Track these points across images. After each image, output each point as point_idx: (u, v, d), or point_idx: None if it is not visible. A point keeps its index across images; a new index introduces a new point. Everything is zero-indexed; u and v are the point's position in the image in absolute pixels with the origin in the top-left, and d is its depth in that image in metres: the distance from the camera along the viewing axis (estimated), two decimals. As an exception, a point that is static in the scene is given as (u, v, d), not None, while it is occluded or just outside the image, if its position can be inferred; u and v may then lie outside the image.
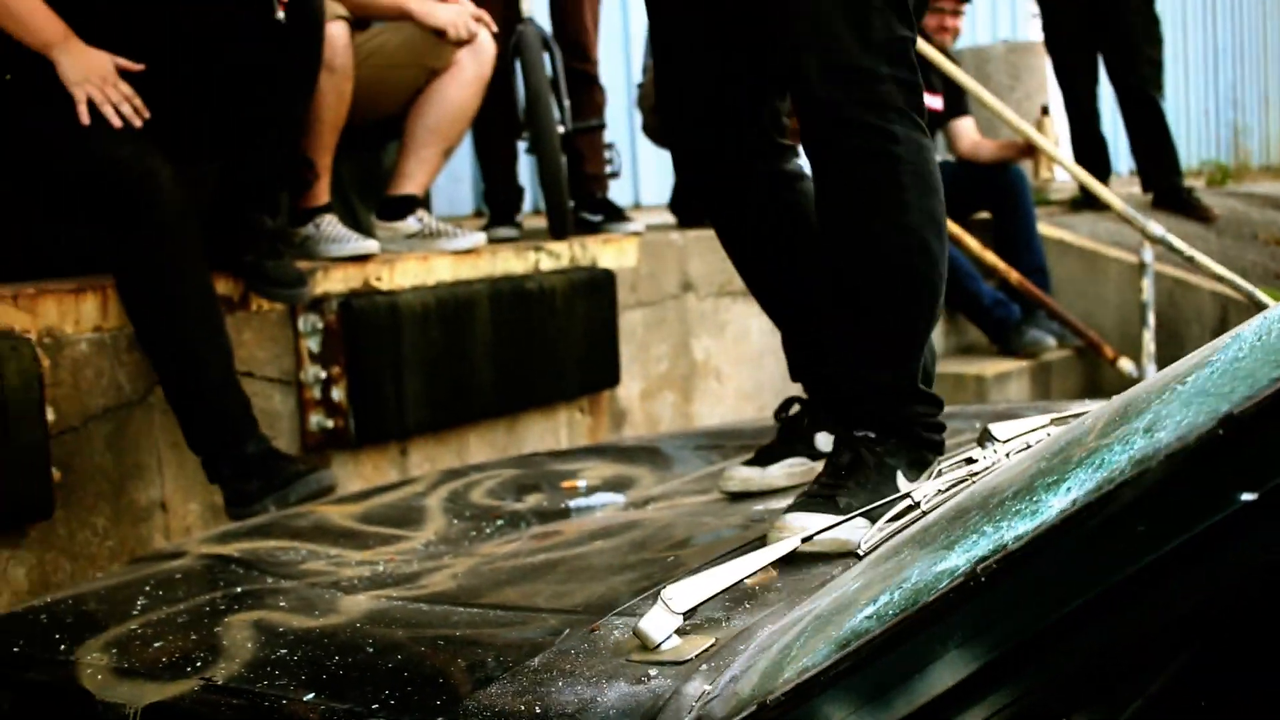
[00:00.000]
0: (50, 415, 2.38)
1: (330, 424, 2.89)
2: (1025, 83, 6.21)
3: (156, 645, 1.41)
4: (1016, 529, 0.87)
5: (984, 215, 5.06)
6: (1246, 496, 0.77)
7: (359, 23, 3.15)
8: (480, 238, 3.29)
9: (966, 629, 0.86)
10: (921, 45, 4.51)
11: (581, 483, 2.09)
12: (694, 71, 1.77)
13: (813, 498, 1.54)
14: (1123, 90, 5.82)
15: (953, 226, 4.16)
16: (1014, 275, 4.63)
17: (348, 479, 2.88)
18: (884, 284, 1.60)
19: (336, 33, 2.92)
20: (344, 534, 1.89)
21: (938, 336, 3.91)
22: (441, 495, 2.07)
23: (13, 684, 1.45)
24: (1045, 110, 5.10)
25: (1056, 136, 5.04)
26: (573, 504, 1.95)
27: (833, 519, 1.37)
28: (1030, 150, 4.78)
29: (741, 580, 1.17)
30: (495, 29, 3.30)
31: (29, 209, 2.72)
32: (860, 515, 1.35)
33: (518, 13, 3.63)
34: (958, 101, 5.01)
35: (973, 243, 4.58)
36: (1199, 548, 0.79)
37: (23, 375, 2.31)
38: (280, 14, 2.50)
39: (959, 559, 0.89)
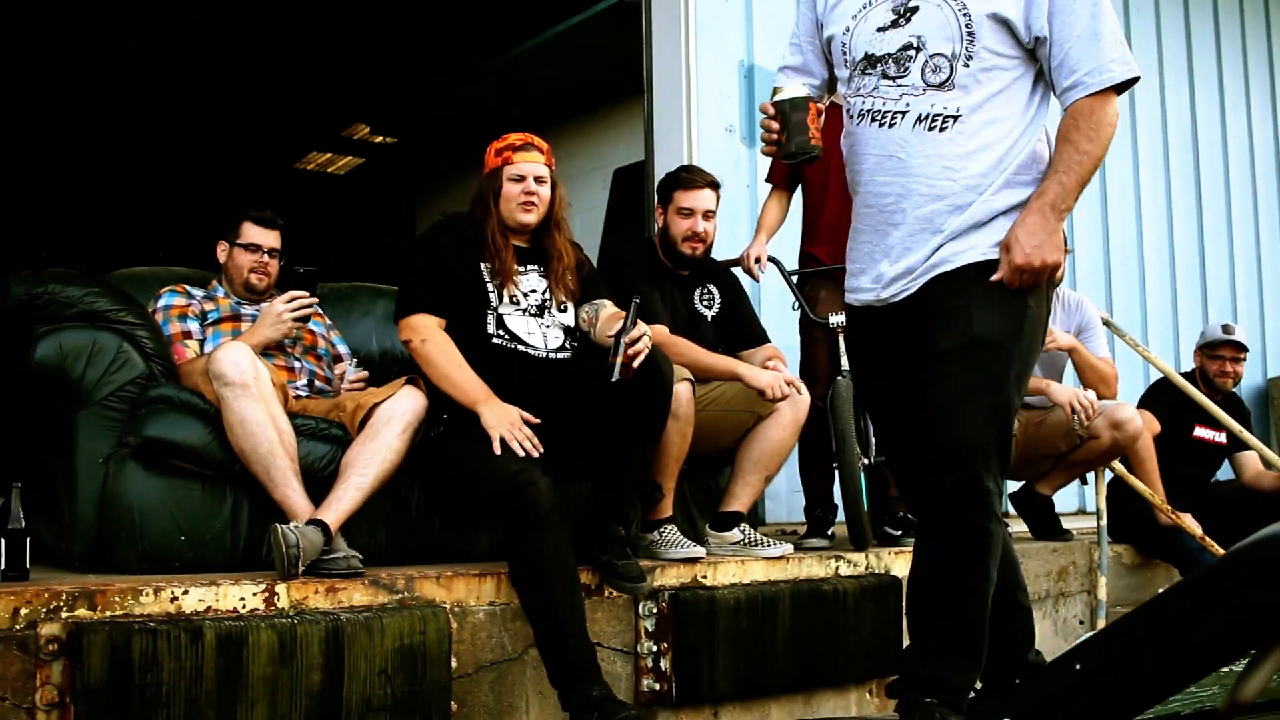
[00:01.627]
0: (454, 663, 3.38)
1: (658, 687, 3.76)
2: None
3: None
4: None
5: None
6: None
7: (700, 379, 4.15)
8: (788, 548, 4.15)
9: None
10: (1195, 393, 5.12)
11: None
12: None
13: None
14: None
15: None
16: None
17: (668, 732, 3.72)
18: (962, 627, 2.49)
19: (682, 390, 3.92)
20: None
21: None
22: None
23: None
24: None
25: None
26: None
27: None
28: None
29: None
30: (805, 392, 4.22)
31: (450, 513, 3.83)
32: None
33: (839, 366, 4.57)
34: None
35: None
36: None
37: (438, 634, 3.34)
38: (615, 377, 3.48)
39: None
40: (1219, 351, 5.65)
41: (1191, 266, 8.04)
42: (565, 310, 3.93)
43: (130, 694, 2.88)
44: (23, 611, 2.92)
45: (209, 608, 3.12)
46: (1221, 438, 5.49)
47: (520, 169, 3.87)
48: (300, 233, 4.79)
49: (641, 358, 3.48)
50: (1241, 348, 5.65)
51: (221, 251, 4.12)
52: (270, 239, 4.13)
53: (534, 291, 3.88)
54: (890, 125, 2.80)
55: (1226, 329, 5.69)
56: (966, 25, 2.73)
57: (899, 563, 4.35)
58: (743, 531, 4.16)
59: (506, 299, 3.83)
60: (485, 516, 3.72)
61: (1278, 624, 1.40)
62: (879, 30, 2.84)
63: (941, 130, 2.76)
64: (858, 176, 2.92)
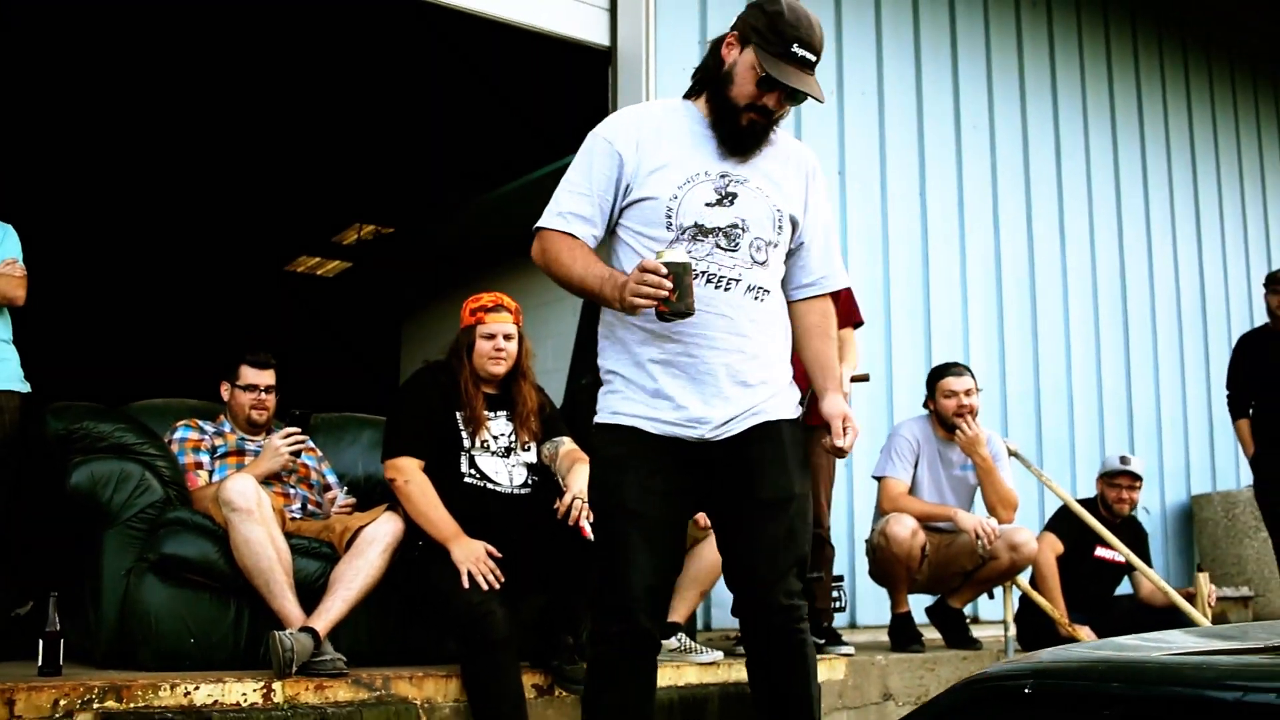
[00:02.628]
0: (422, 752, 3.96)
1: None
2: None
3: None
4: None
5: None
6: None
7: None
8: (719, 655, 4.74)
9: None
10: (1090, 519, 5.76)
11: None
12: None
13: None
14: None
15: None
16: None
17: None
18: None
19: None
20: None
21: None
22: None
23: None
24: (1200, 567, 6.12)
25: (1210, 590, 6.02)
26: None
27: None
28: (1191, 599, 5.84)
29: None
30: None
31: (423, 621, 4.42)
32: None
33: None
34: (1141, 554, 6.16)
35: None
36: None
37: (409, 726, 3.93)
38: (587, 532, 4.09)
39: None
40: (1117, 480, 6.30)
41: (1119, 397, 8.72)
42: (529, 449, 4.56)
43: (150, 774, 3.46)
44: (61, 702, 3.51)
45: (215, 701, 3.70)
46: (1120, 557, 6.10)
47: (491, 328, 4.52)
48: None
49: (582, 514, 4.09)
50: (1137, 477, 6.30)
51: (225, 391, 4.76)
52: (265, 378, 4.76)
53: (502, 435, 4.51)
54: (726, 289, 3.25)
55: (1124, 460, 6.34)
56: (778, 219, 3.32)
57: (822, 668, 4.94)
58: (679, 640, 4.75)
59: (478, 443, 4.46)
60: (450, 634, 4.31)
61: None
62: (708, 205, 3.25)
63: (762, 302, 3.31)
64: (684, 327, 3.21)
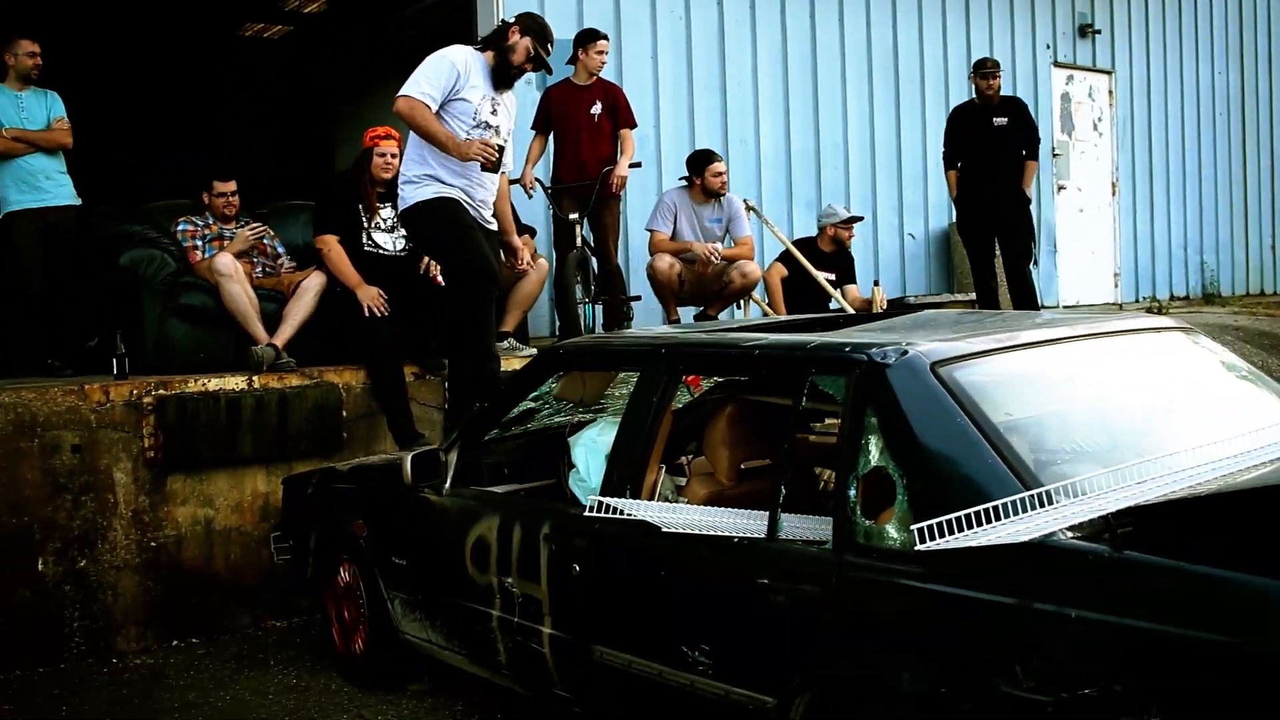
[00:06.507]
0: (344, 414, 6.71)
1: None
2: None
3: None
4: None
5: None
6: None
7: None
8: (534, 350, 7.47)
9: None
10: (799, 255, 8.45)
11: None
12: None
13: None
14: (1008, 260, 9.43)
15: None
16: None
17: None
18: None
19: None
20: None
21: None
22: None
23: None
24: (876, 282, 8.92)
25: (881, 297, 8.78)
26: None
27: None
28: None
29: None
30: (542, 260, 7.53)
31: (340, 340, 7.14)
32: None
33: (572, 243, 7.85)
34: (848, 275, 8.92)
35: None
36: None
37: (336, 399, 6.64)
38: (438, 279, 6.79)
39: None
40: (845, 224, 8.97)
41: (890, 149, 11.34)
42: (405, 228, 7.20)
43: (186, 426, 6.22)
44: (134, 392, 6.23)
45: (219, 387, 6.43)
46: (833, 276, 8.82)
47: (382, 149, 7.07)
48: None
49: (433, 267, 6.79)
50: (855, 220, 9.02)
51: (205, 198, 7.33)
52: (230, 187, 7.32)
53: (389, 218, 7.11)
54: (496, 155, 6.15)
55: (847, 209, 9.05)
56: (510, 121, 6.40)
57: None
58: (509, 342, 7.49)
59: (373, 224, 7.06)
60: (357, 344, 7.00)
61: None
62: (490, 112, 6.23)
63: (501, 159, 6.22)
64: (471, 167, 6.17)
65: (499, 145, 6.17)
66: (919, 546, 2.96)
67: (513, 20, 6.40)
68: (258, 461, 6.47)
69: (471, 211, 6.27)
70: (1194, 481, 3.10)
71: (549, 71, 6.59)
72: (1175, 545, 2.85)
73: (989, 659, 2.93)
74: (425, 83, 6.11)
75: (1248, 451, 3.36)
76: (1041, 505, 2.95)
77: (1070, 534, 2.91)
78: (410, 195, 6.25)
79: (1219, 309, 12.78)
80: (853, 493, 3.33)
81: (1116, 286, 13.37)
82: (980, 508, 2.94)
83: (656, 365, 4.11)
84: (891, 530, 3.22)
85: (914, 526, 3.01)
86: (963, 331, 3.83)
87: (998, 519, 2.93)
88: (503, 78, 6.29)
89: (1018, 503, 2.96)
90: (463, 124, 6.15)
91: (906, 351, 3.42)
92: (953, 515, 2.94)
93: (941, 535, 2.94)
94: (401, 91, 6.10)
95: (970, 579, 3.00)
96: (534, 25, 6.31)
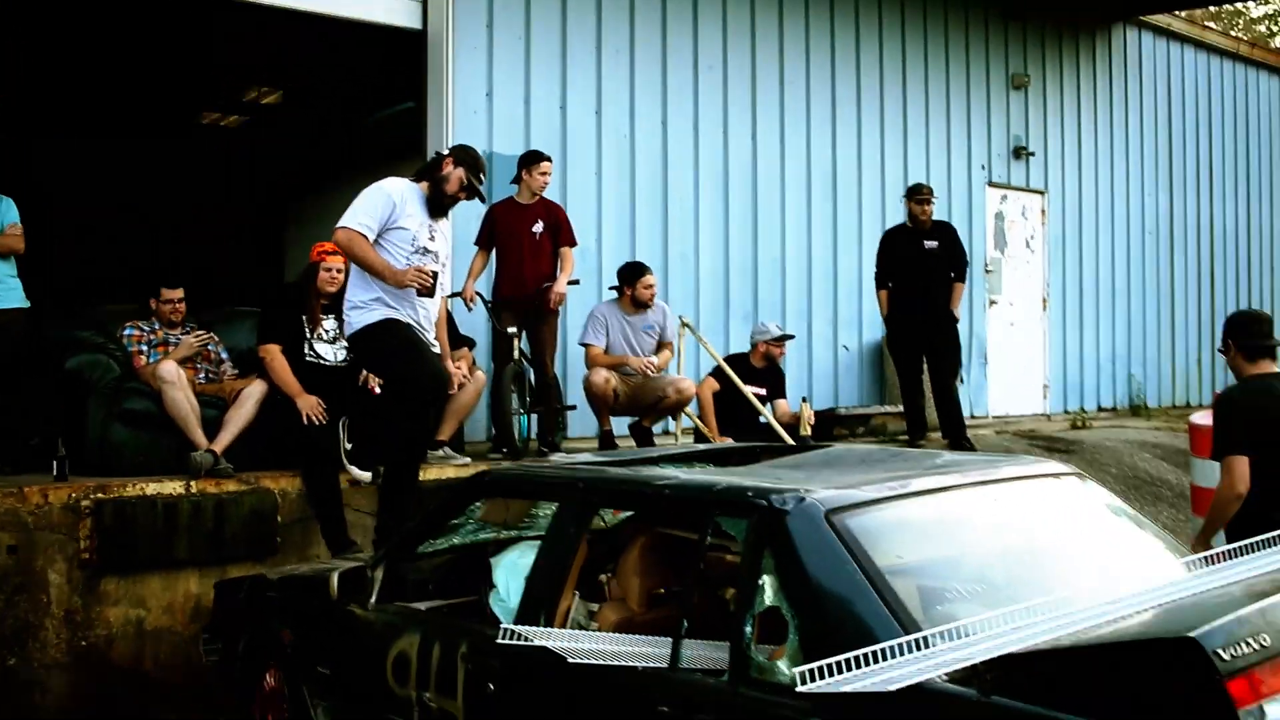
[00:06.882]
0: (279, 519, 6.87)
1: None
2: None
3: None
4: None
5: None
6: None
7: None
8: (469, 460, 7.67)
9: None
10: (729, 372, 8.72)
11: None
12: None
13: None
14: (935, 378, 9.76)
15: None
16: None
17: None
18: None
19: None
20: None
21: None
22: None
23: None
24: (804, 399, 9.21)
25: (809, 414, 9.06)
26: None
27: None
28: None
29: None
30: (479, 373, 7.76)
31: (278, 448, 7.30)
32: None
33: (510, 356, 8.10)
34: (778, 390, 9.21)
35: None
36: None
37: (272, 505, 6.82)
38: (376, 390, 7.01)
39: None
40: (777, 341, 9.28)
41: (826, 265, 11.71)
42: (346, 340, 7.42)
43: (123, 529, 6.36)
44: (72, 495, 6.37)
45: (157, 492, 6.58)
46: (764, 392, 9.11)
47: (329, 264, 7.30)
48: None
49: (372, 379, 7.01)
50: (786, 339, 9.32)
51: (152, 303, 7.52)
52: (176, 294, 7.51)
53: (330, 330, 7.32)
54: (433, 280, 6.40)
55: (779, 328, 9.36)
56: (447, 246, 6.71)
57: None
58: (444, 450, 7.68)
59: (315, 335, 7.28)
60: (295, 451, 7.17)
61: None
62: (429, 238, 6.51)
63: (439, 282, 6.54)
64: (409, 293, 6.42)
65: (434, 271, 6.42)
66: (800, 688, 3.17)
67: (446, 152, 6.78)
68: (192, 564, 6.61)
69: (418, 330, 6.52)
70: (1064, 629, 3.34)
71: (482, 199, 7.02)
72: (1039, 692, 3.08)
73: (870, 794, 3.13)
74: (363, 214, 6.43)
75: (1120, 599, 3.59)
76: (918, 649, 3.18)
77: (944, 677, 3.13)
78: (357, 320, 6.51)
79: (1143, 422, 13.19)
80: (749, 629, 3.54)
81: (1045, 398, 13.76)
82: (862, 651, 3.16)
83: (574, 498, 4.34)
84: (783, 666, 3.43)
85: (796, 669, 3.22)
86: (863, 475, 4.08)
87: (879, 661, 3.15)
88: (437, 206, 6.63)
89: (897, 647, 3.18)
90: (403, 250, 6.45)
91: (804, 499, 3.65)
92: (836, 658, 3.15)
93: (823, 677, 3.15)
94: (340, 223, 6.41)
95: (854, 716, 3.21)
96: (466, 157, 6.64)
